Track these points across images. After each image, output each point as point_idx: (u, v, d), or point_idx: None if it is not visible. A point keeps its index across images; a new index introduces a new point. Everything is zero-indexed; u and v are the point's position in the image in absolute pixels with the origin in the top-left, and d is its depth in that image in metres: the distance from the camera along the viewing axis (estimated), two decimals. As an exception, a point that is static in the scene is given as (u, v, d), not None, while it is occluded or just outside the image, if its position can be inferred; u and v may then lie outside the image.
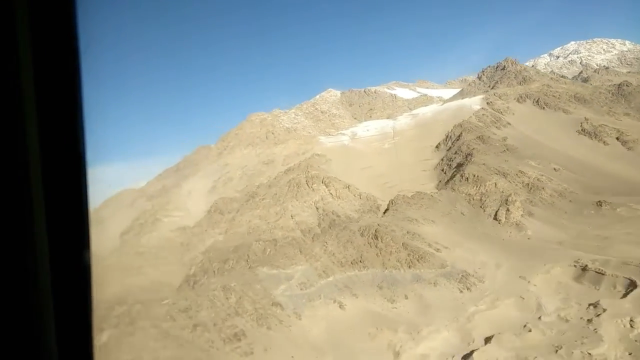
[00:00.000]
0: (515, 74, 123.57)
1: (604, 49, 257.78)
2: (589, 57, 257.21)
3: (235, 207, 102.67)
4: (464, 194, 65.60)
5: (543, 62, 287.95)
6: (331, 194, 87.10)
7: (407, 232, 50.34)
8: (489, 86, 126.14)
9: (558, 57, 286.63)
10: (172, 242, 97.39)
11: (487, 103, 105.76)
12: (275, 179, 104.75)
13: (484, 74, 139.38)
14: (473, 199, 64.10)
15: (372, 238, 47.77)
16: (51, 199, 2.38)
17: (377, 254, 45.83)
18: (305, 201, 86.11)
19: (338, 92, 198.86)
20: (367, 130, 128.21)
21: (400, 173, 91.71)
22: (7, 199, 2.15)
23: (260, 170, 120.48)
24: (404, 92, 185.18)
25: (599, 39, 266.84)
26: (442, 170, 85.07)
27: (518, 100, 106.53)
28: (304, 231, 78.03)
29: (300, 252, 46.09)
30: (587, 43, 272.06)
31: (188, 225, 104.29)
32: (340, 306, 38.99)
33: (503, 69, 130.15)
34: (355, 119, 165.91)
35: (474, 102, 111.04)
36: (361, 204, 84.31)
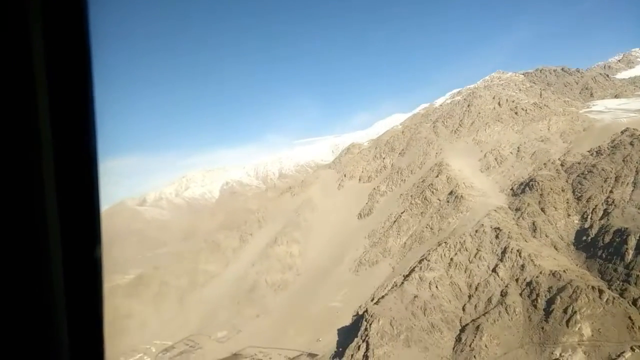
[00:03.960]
0: None
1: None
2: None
3: (561, 185, 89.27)
4: None
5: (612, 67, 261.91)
6: None
7: None
8: None
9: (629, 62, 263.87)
10: (508, 225, 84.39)
11: None
12: (598, 156, 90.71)
13: None
14: None
15: None
16: (63, 195, 2.42)
17: None
18: None
19: (510, 73, 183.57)
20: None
21: None
22: (21, 195, 2.19)
23: (541, 147, 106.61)
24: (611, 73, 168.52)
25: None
26: None
27: None
28: None
29: None
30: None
31: (500, 205, 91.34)
32: None
33: None
34: (566, 97, 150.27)
35: None
36: None
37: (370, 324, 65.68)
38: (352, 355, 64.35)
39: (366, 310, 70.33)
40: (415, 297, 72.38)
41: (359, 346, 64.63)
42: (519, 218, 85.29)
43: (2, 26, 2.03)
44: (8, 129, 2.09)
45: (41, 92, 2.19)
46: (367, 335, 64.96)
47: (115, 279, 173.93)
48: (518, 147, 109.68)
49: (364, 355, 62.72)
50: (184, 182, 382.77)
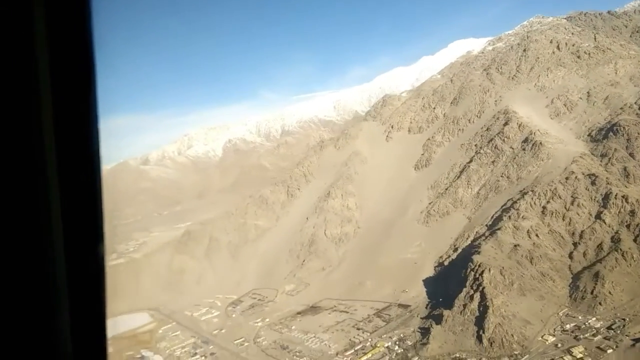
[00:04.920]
0: None
1: None
2: None
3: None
4: None
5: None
6: None
7: None
8: None
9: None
10: (599, 171, 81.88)
11: None
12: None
13: None
14: None
15: None
16: (67, 193, 2.44)
17: None
18: None
19: (552, 17, 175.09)
20: None
21: None
22: (25, 193, 2.22)
23: (612, 92, 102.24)
24: None
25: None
26: None
27: None
28: None
29: None
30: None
31: (583, 151, 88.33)
32: None
33: None
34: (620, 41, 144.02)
35: None
36: None
37: (481, 274, 64.05)
38: (464, 306, 63.08)
39: (471, 260, 68.51)
40: (515, 246, 70.66)
41: (471, 296, 63.28)
42: (606, 164, 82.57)
43: None
44: (11, 131, 2.08)
45: (45, 92, 2.18)
46: (479, 285, 63.47)
47: (141, 236, 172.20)
48: (588, 92, 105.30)
49: (480, 305, 61.49)
50: (186, 140, 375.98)
